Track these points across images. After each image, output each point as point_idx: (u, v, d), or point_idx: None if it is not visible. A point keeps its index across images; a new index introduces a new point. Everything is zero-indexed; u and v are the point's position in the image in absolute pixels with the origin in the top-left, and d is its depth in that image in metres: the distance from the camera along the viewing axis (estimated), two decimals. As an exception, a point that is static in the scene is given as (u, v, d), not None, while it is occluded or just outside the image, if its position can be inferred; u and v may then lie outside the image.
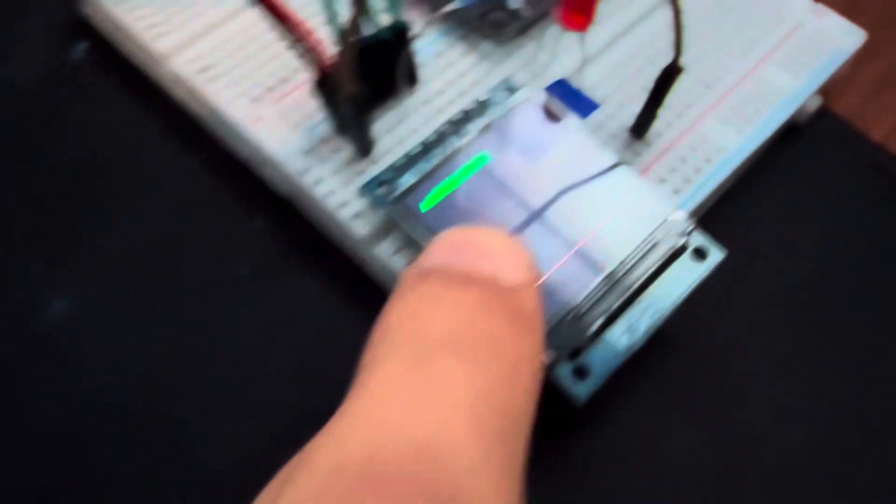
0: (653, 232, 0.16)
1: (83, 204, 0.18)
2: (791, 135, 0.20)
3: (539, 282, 0.13)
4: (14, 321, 0.17)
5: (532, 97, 0.17)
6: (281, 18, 0.15)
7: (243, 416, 0.16)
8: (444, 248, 0.12)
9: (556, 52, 0.19)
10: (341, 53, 0.14)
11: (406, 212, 0.16)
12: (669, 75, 0.16)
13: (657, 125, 0.18)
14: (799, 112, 0.19)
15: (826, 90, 0.20)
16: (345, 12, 0.15)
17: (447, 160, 0.16)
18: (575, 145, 0.16)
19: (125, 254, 0.18)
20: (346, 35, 0.14)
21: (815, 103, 0.20)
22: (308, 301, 0.17)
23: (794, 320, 0.17)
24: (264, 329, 0.17)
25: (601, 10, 0.19)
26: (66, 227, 0.18)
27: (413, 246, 0.16)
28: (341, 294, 0.17)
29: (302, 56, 0.15)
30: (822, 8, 0.20)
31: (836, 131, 0.20)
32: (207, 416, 0.16)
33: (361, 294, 0.17)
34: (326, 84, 0.16)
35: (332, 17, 0.15)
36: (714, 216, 0.18)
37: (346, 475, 0.09)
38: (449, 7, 0.16)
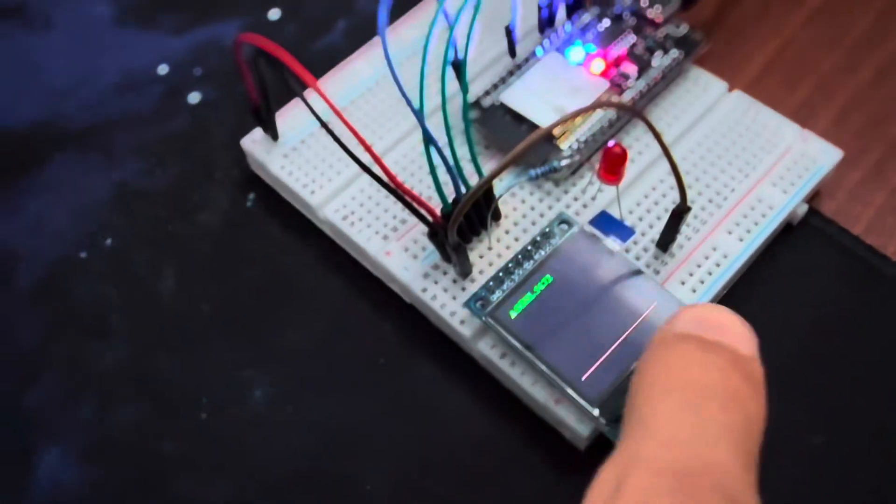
0: (674, 326, 0.22)
1: (266, 314, 0.26)
2: (786, 231, 0.26)
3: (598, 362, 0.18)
4: (231, 403, 0.24)
5: (581, 230, 0.24)
6: (397, 188, 0.22)
7: (405, 471, 0.23)
8: (692, 319, 0.16)
9: (600, 186, 0.25)
10: (451, 224, 0.21)
11: (498, 320, 0.22)
12: (679, 215, 0.22)
13: (679, 239, 0.24)
14: (790, 216, 0.25)
15: (815, 194, 0.26)
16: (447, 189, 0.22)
17: (524, 281, 0.23)
18: (614, 264, 0.23)
19: (298, 350, 0.25)
20: (456, 217, 0.21)
21: (803, 209, 0.25)
22: (429, 382, 0.24)
23: (788, 382, 0.23)
24: (399, 404, 0.24)
25: (630, 154, 0.26)
26: (255, 331, 0.25)
27: (505, 343, 0.23)
28: (455, 375, 0.24)
29: (413, 213, 0.23)
30: (807, 133, 0.26)
31: (822, 228, 0.26)
32: (373, 473, 0.23)
33: (471, 375, 0.24)
34: (436, 235, 0.23)
35: (440, 194, 0.23)
36: (724, 304, 0.24)
37: (670, 478, 0.13)
38: (517, 182, 0.23)
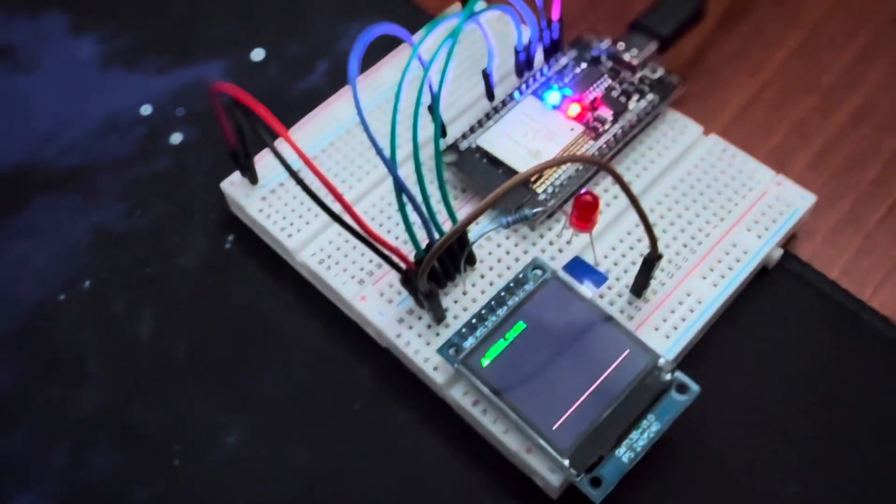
0: (647, 374, 0.22)
1: (242, 358, 0.26)
2: (761, 276, 0.26)
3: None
4: (205, 449, 0.24)
5: (554, 276, 0.24)
6: (370, 237, 0.22)
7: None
8: None
9: (574, 231, 0.25)
10: (420, 273, 0.21)
11: (470, 367, 0.22)
12: (650, 263, 0.22)
13: (653, 284, 0.24)
14: (766, 260, 0.25)
15: (791, 237, 0.26)
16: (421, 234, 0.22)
17: (497, 327, 0.23)
18: (587, 310, 0.23)
19: (274, 395, 0.25)
20: (425, 266, 0.21)
21: (778, 253, 0.25)
22: (405, 427, 0.24)
23: (764, 428, 0.23)
24: (374, 450, 0.24)
25: (605, 199, 0.26)
26: (231, 375, 0.25)
27: (477, 391, 0.22)
28: (431, 421, 0.24)
29: (386, 260, 0.23)
30: (781, 177, 0.26)
31: (798, 272, 0.26)
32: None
33: (447, 421, 0.24)
34: (409, 282, 0.23)
35: (413, 241, 0.23)
36: (700, 349, 0.24)
37: None
38: (490, 229, 0.23)
